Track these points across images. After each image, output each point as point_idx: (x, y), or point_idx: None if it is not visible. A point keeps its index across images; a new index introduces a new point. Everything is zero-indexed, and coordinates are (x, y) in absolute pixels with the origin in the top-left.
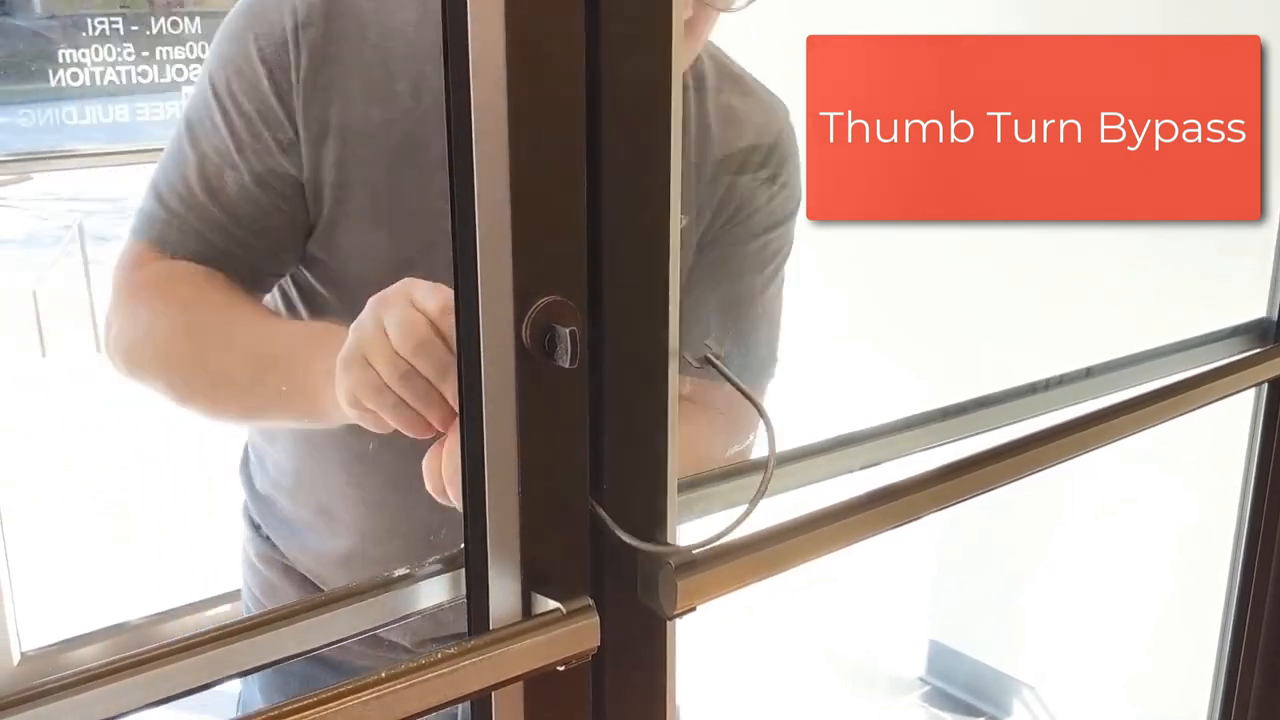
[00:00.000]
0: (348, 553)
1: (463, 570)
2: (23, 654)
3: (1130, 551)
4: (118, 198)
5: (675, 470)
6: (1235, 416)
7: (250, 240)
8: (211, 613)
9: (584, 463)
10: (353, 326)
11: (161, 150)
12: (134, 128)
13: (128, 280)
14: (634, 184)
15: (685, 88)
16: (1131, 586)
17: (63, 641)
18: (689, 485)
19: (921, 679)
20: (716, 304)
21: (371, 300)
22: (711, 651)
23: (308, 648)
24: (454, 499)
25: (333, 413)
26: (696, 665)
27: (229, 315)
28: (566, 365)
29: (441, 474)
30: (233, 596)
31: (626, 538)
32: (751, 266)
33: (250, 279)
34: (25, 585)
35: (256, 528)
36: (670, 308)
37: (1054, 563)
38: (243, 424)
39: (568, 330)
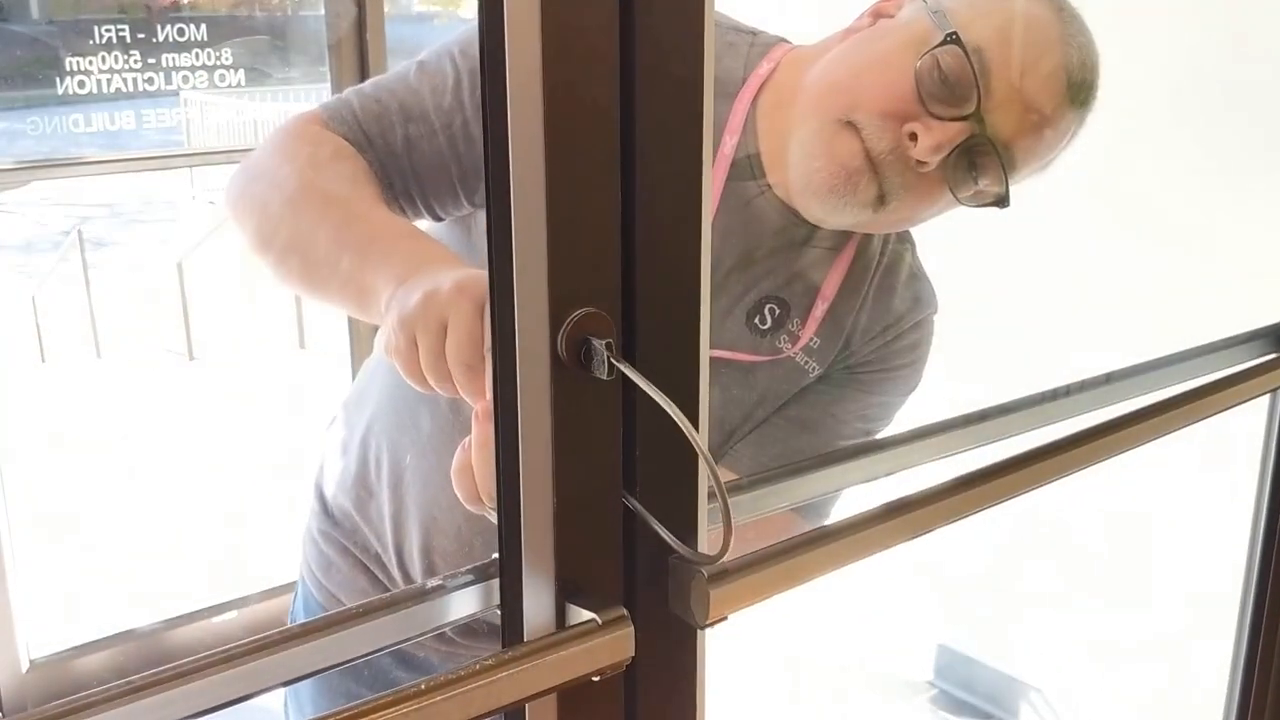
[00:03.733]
0: (409, 538)
1: (496, 581)
2: (31, 661)
3: (1142, 557)
4: (115, 203)
5: (705, 480)
6: (1248, 422)
7: (405, 167)
8: (218, 619)
9: (618, 475)
10: (424, 296)
11: (162, 157)
12: (135, 134)
13: (289, 126)
14: (667, 197)
15: (876, 240)
16: (1142, 592)
17: (71, 649)
18: (714, 495)
19: (930, 682)
20: (798, 425)
21: (453, 284)
22: (720, 653)
23: (340, 660)
24: (487, 499)
25: (373, 316)
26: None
27: (345, 186)
28: (603, 378)
29: (474, 478)
30: (227, 607)
31: (669, 537)
32: (841, 414)
33: (384, 189)
34: (28, 593)
35: (325, 504)
36: (702, 318)
37: (1064, 568)
38: (299, 288)
39: (603, 343)
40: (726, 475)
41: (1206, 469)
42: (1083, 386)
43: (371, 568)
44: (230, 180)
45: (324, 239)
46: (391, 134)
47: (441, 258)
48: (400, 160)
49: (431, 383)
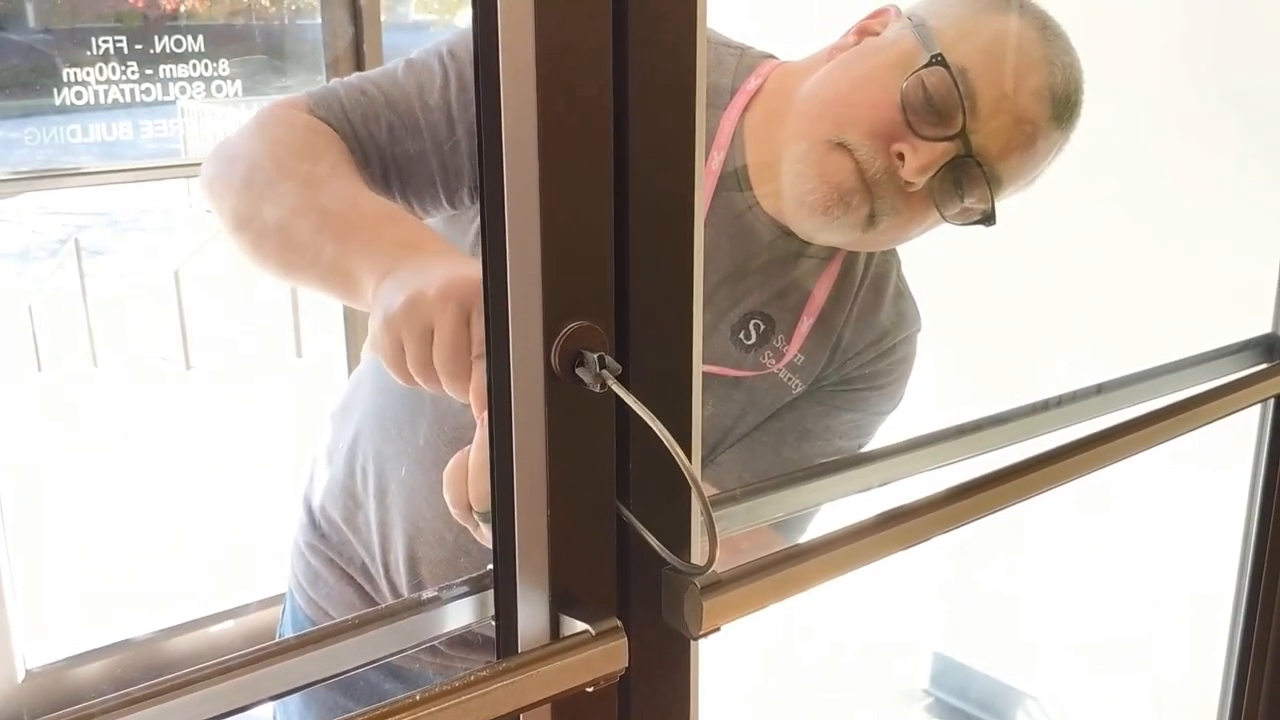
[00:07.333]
0: (395, 549)
1: (490, 593)
2: (27, 671)
3: (1136, 564)
4: (110, 211)
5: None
6: (1241, 430)
7: (387, 160)
8: (214, 629)
9: (611, 486)
10: (408, 300)
11: (159, 168)
12: (133, 144)
13: (273, 109)
14: (660, 210)
15: (861, 256)
16: (1137, 599)
17: (67, 659)
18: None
19: (926, 691)
20: (781, 440)
21: (438, 288)
22: (717, 660)
23: (335, 672)
24: (476, 503)
25: (361, 305)
26: (704, 673)
27: (330, 169)
28: (595, 390)
29: (465, 481)
30: (224, 616)
31: (659, 547)
32: (822, 430)
33: (366, 179)
34: (24, 602)
35: (312, 517)
36: (695, 330)
37: (1059, 576)
38: (280, 273)
39: (596, 355)
40: (707, 489)
41: (1203, 474)
42: (1074, 397)
43: (358, 579)
44: (207, 160)
45: (308, 221)
46: (376, 126)
47: (426, 243)
48: (384, 152)
49: (419, 383)
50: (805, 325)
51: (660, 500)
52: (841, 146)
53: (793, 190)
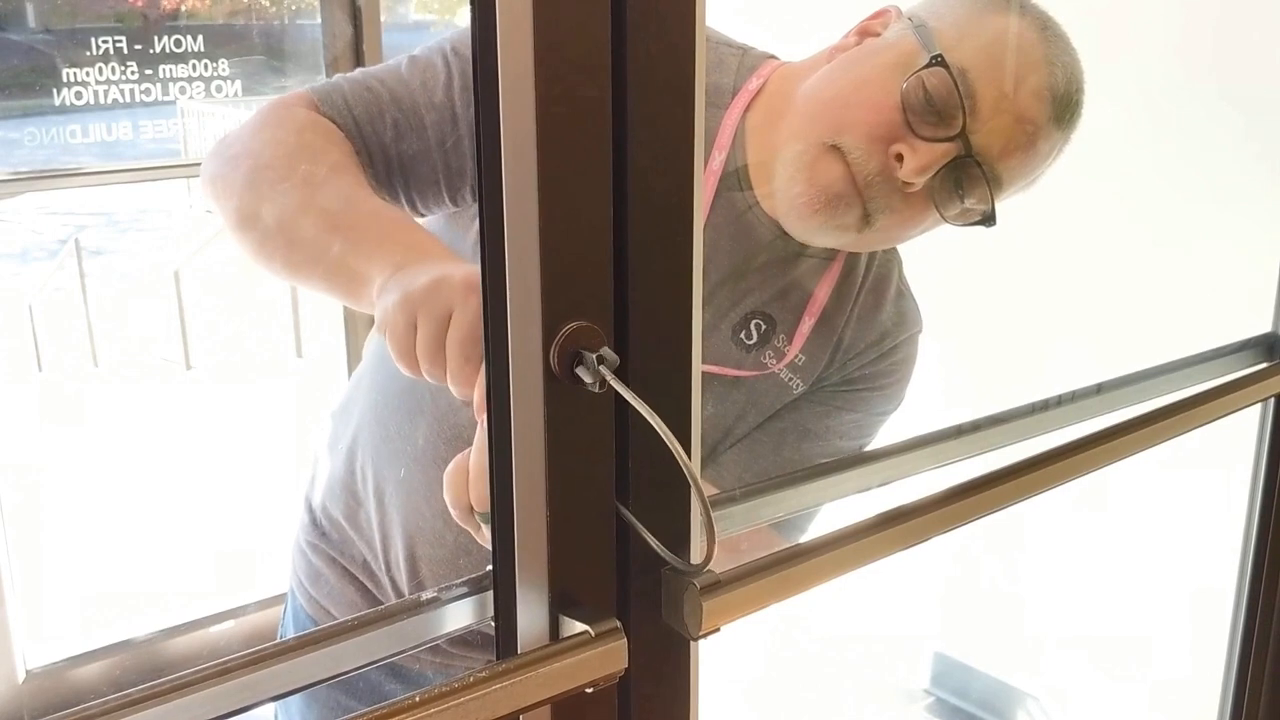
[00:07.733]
0: (394, 546)
1: (490, 593)
2: (28, 671)
3: (1137, 564)
4: (112, 212)
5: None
6: (1243, 430)
7: (391, 156)
8: (215, 629)
9: (611, 487)
10: (432, 281)
11: (159, 168)
12: (133, 145)
13: (275, 105)
14: (659, 210)
15: (863, 256)
16: (1138, 600)
17: (67, 659)
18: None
19: (927, 690)
20: (781, 441)
21: (463, 276)
22: (717, 659)
23: (336, 673)
24: (477, 505)
25: (363, 304)
26: (705, 673)
27: (338, 170)
28: (595, 390)
29: (466, 483)
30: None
31: (658, 546)
32: (822, 430)
33: (369, 176)
34: (25, 603)
35: (313, 515)
36: (694, 330)
37: (1060, 575)
38: (283, 271)
39: (595, 355)
40: (708, 489)
41: (1203, 474)
42: (1074, 397)
43: (360, 577)
44: (208, 157)
45: (314, 221)
46: (381, 123)
47: (435, 249)
48: (388, 149)
49: (424, 368)
50: (806, 325)
51: (660, 500)
52: (834, 149)
53: (784, 192)
